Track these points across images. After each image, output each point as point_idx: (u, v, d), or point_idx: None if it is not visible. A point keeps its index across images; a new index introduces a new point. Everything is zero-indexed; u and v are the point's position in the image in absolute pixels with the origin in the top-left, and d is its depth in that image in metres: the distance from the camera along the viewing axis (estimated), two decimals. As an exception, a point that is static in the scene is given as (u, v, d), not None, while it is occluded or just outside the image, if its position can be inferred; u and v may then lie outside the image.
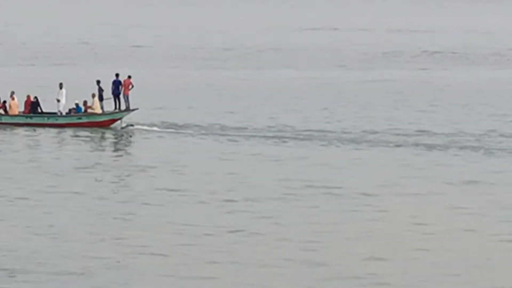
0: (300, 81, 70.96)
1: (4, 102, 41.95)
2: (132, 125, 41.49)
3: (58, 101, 40.84)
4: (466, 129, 44.44)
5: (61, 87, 41.48)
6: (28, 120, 42.44)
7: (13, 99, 41.02)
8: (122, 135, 43.17)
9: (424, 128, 45.15)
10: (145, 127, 41.76)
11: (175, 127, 44.10)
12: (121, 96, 41.95)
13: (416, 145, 39.72)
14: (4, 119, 41.94)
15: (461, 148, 38.77)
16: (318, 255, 21.48)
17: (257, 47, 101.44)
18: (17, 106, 41.73)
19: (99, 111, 41.44)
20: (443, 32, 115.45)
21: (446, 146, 39.50)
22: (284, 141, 41.69)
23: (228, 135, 43.41)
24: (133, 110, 42.68)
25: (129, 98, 42.27)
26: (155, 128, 42.11)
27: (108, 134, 42.30)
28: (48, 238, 23.87)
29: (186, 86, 65.92)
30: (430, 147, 39.31)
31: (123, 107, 42.82)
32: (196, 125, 45.71)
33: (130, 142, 42.51)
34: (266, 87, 72.29)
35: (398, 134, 43.35)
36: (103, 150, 40.43)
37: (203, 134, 43.54)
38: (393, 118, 48.32)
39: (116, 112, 42.58)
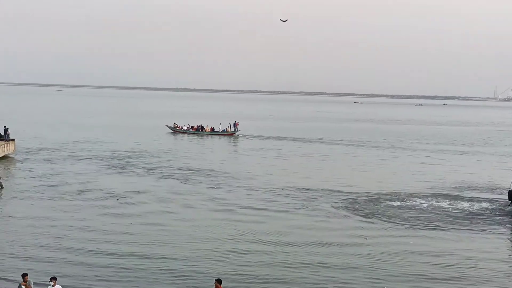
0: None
1: (202, 126, 77.04)
2: (238, 135, 75.63)
3: (219, 128, 76.44)
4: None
5: (220, 124, 78.15)
6: (212, 133, 76.25)
7: (207, 127, 76.17)
8: (237, 138, 73.94)
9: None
10: (247, 135, 75.83)
11: (261, 137, 75.64)
12: (235, 127, 76.91)
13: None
14: (204, 133, 76.02)
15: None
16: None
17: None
18: (210, 129, 76.83)
19: (230, 131, 76.32)
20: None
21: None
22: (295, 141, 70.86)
23: (289, 139, 73.11)
24: (238, 131, 76.51)
25: (238, 127, 76.59)
26: (252, 135, 76.30)
27: (233, 138, 73.61)
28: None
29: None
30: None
31: (236, 130, 76.48)
32: (271, 136, 76.51)
33: (239, 140, 71.46)
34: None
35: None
36: (232, 142, 69.93)
37: (274, 139, 73.00)
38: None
39: (234, 131, 76.32)
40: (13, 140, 48.46)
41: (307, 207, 31.34)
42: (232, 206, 31.25)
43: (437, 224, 28.14)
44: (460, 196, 35.67)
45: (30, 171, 40.83)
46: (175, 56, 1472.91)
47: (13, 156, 47.66)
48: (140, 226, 26.19)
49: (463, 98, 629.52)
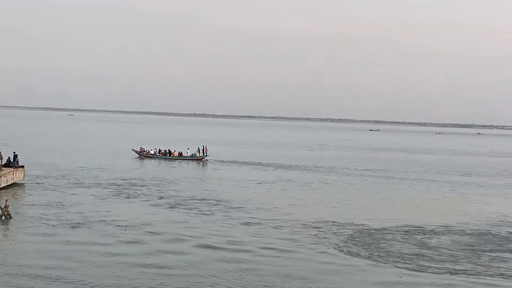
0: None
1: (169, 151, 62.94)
2: (207, 159, 61.48)
3: (187, 153, 62.83)
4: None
5: (188, 148, 65.94)
6: (180, 157, 62.15)
7: (174, 152, 63.42)
8: (206, 162, 59.27)
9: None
10: (213, 159, 61.32)
11: (228, 162, 59.95)
12: (205, 151, 62.74)
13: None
14: (171, 158, 61.64)
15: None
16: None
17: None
18: (178, 154, 62.64)
19: (199, 155, 62.41)
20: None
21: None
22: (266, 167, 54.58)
23: (257, 165, 57.45)
24: (207, 155, 62.30)
25: (207, 152, 62.71)
26: (221, 160, 61.44)
27: (201, 163, 58.19)
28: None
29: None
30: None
31: (205, 155, 62.09)
32: (237, 161, 61.35)
33: (207, 165, 56.44)
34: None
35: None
36: (201, 165, 56.00)
37: (241, 164, 57.79)
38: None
39: (203, 156, 62.32)
40: (22, 167, 39.14)
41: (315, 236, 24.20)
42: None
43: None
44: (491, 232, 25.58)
45: (38, 199, 31.99)
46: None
47: (22, 183, 38.56)
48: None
49: (502, 127, 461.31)
